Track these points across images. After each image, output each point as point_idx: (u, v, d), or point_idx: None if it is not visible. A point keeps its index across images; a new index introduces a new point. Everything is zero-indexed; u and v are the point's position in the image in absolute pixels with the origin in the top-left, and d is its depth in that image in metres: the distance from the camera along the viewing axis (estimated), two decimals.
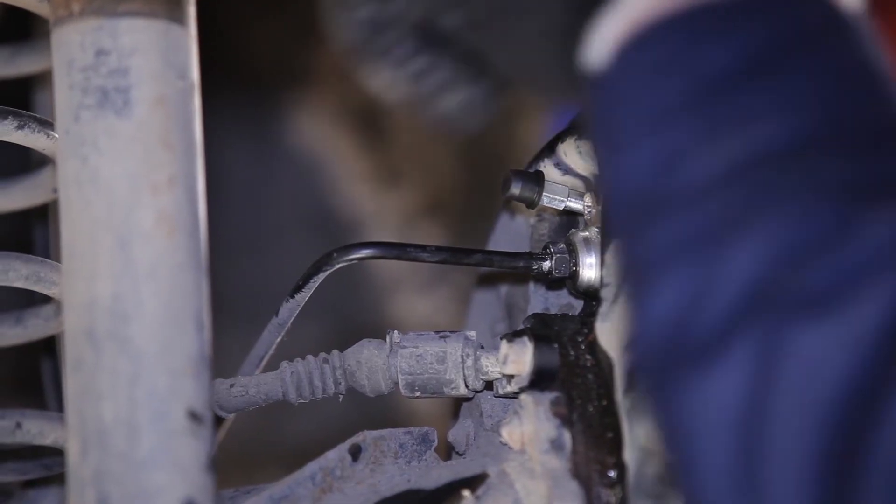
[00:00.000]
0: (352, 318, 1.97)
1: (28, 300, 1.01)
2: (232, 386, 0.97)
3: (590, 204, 0.97)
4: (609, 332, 0.89)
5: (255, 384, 0.96)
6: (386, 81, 0.77)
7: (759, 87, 0.60)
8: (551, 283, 0.99)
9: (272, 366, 0.98)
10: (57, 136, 0.81)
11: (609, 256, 0.91)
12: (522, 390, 0.92)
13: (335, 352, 0.96)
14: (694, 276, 0.59)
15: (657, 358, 0.60)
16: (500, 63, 0.74)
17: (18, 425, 0.98)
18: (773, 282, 0.57)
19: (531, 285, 1.01)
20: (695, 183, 0.60)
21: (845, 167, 0.58)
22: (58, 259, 0.86)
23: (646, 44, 0.62)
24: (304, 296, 0.97)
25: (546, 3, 0.67)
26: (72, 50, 0.79)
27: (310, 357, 0.96)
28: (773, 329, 0.56)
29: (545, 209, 1.00)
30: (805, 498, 0.55)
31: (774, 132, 0.59)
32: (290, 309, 0.98)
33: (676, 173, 0.60)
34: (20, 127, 0.92)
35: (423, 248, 0.97)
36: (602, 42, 0.64)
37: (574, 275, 0.96)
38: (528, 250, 1.02)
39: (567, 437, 0.90)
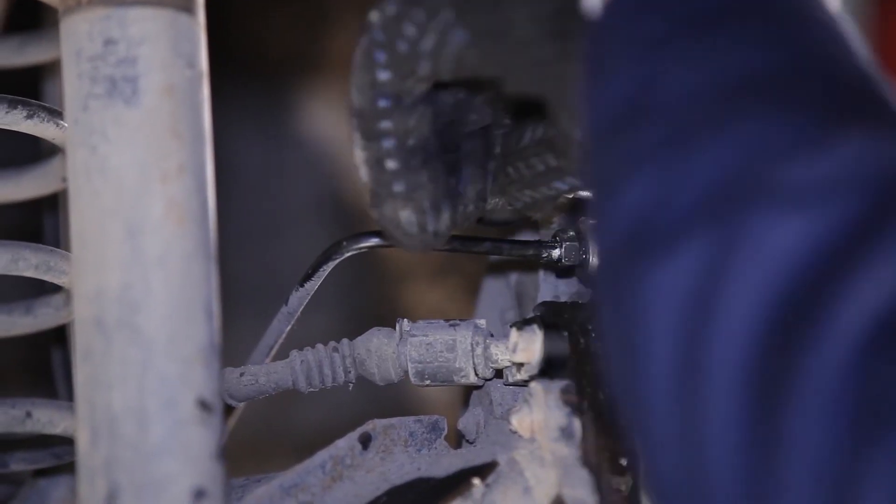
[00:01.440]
0: (361, 307, 1.97)
1: (38, 289, 1.01)
2: (242, 375, 0.97)
3: None
4: None
5: (265, 373, 0.96)
6: (360, 162, 0.81)
7: (741, 25, 0.62)
8: (561, 270, 0.99)
9: (282, 354, 0.98)
10: (66, 125, 0.81)
11: None
12: (532, 378, 0.92)
13: (345, 340, 0.96)
14: (662, 174, 0.59)
15: (617, 254, 0.60)
16: (510, 79, 0.76)
17: (29, 414, 0.99)
18: (742, 177, 0.57)
19: (541, 273, 1.01)
20: (672, 96, 0.61)
21: (820, 93, 0.60)
22: (68, 248, 0.86)
23: None
24: (314, 284, 0.97)
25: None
26: (80, 39, 0.79)
27: (319, 346, 0.96)
28: (736, 219, 0.57)
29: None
30: (740, 387, 0.55)
31: (752, 60, 0.61)
32: (300, 298, 0.98)
33: (655, 89, 0.61)
34: (30, 116, 0.92)
35: None
36: None
37: (584, 262, 0.96)
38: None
39: (577, 424, 0.90)
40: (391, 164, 0.81)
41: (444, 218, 0.83)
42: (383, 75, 0.79)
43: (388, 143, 0.81)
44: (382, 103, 0.80)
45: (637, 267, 0.59)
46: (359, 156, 0.82)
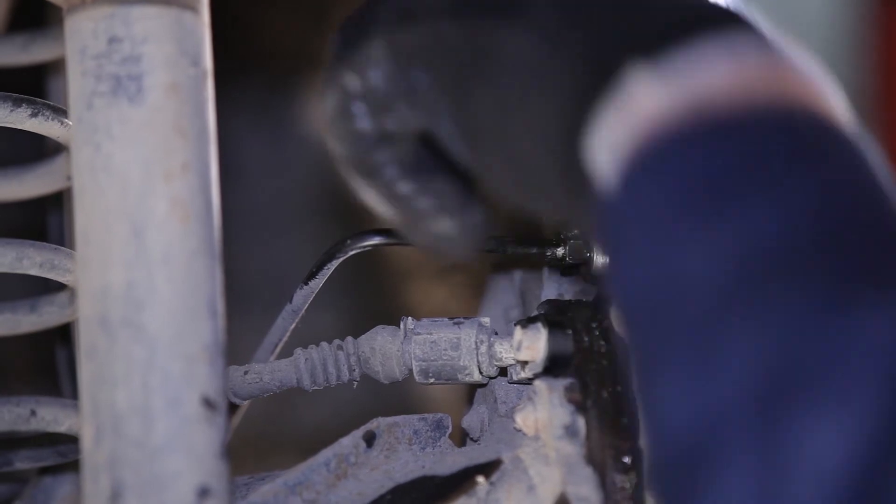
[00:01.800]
0: (366, 305, 1.97)
1: (42, 288, 1.01)
2: (246, 373, 0.97)
3: None
4: None
5: (269, 371, 0.97)
6: (374, 200, 0.80)
7: (754, 190, 0.60)
8: (565, 269, 0.99)
9: (286, 353, 0.98)
10: (70, 123, 0.81)
11: None
12: (536, 376, 0.92)
13: (349, 338, 0.96)
14: (694, 385, 0.58)
15: (669, 472, 0.60)
16: (497, 180, 0.74)
17: (33, 412, 0.99)
18: (769, 382, 0.56)
19: (545, 271, 1.01)
20: (690, 289, 0.60)
21: (838, 262, 0.58)
22: (72, 246, 0.86)
23: (647, 164, 0.62)
24: (318, 283, 0.97)
25: (542, 104, 0.68)
26: (85, 37, 0.79)
27: (324, 344, 0.96)
28: (773, 433, 0.56)
29: None
30: None
31: (767, 233, 0.59)
32: (304, 296, 0.98)
33: (672, 280, 0.60)
34: (34, 114, 0.92)
35: None
36: (604, 157, 0.64)
37: (588, 261, 0.96)
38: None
39: (581, 423, 0.90)
40: (404, 188, 0.80)
41: (475, 207, 0.81)
42: (363, 124, 0.78)
43: (390, 172, 0.79)
44: (369, 142, 0.79)
45: (688, 490, 0.58)
46: (370, 197, 0.81)
